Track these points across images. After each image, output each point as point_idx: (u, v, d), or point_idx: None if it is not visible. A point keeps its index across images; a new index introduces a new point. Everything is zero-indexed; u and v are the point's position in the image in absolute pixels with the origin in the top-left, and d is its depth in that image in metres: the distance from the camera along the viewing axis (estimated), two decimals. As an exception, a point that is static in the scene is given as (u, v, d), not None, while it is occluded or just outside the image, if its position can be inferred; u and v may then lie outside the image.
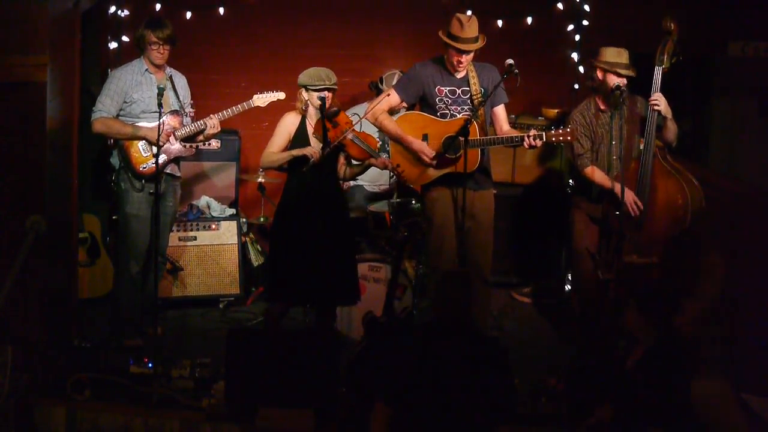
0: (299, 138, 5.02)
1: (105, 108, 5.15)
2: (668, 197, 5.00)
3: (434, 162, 4.96)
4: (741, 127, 7.39)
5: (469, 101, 5.01)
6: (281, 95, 5.23)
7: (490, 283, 5.32)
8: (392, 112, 6.05)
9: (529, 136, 4.81)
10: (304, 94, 4.97)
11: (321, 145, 4.92)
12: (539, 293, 6.48)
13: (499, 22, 6.33)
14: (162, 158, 5.12)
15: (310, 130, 5.02)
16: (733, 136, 7.42)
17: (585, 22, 6.76)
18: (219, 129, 5.25)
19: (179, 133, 5.23)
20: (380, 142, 6.12)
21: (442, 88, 5.00)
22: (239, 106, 5.19)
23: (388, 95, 5.14)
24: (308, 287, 4.96)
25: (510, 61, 4.85)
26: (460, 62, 4.93)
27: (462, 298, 3.89)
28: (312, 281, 4.94)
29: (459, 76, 4.98)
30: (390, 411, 3.85)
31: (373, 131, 5.59)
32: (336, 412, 4.41)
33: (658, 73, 4.94)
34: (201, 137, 5.30)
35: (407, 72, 5.10)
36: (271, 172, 5.71)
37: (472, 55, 4.93)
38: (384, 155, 5.28)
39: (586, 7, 6.74)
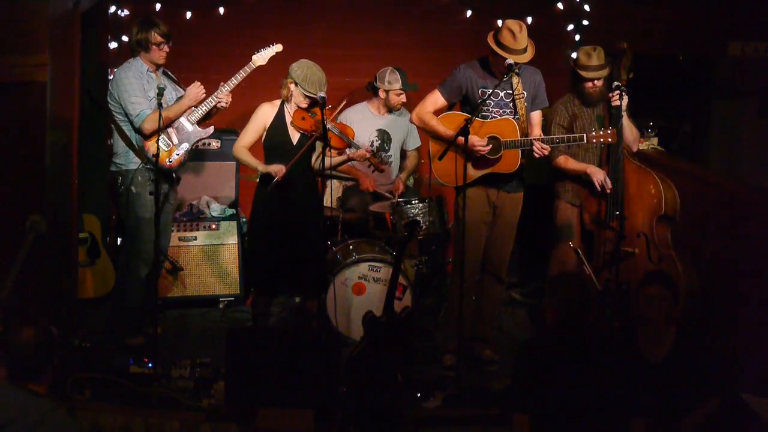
0: (277, 127, 5.10)
1: (144, 104, 5.07)
2: (640, 187, 5.19)
3: (485, 159, 4.97)
4: (741, 127, 7.41)
5: (511, 104, 5.02)
6: (279, 47, 5.20)
7: (506, 282, 5.42)
8: (391, 108, 6.10)
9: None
10: (292, 87, 5.03)
11: (297, 137, 5.07)
12: (539, 293, 6.47)
13: (499, 22, 6.31)
14: (184, 147, 5.16)
15: (288, 119, 5.10)
16: (733, 136, 7.44)
17: (585, 22, 6.77)
18: (230, 100, 5.19)
19: (192, 117, 5.20)
20: (379, 141, 6.14)
21: (485, 90, 4.99)
22: (242, 71, 5.14)
23: (433, 95, 5.12)
24: (279, 275, 5.11)
25: (510, 61, 4.86)
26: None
27: (577, 299, 3.84)
28: (282, 269, 5.10)
29: (505, 78, 4.95)
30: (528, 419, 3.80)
31: (358, 119, 5.65)
32: (336, 412, 4.41)
33: (616, 86, 5.08)
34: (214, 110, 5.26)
35: (452, 72, 5.10)
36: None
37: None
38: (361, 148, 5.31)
39: (586, 7, 6.74)
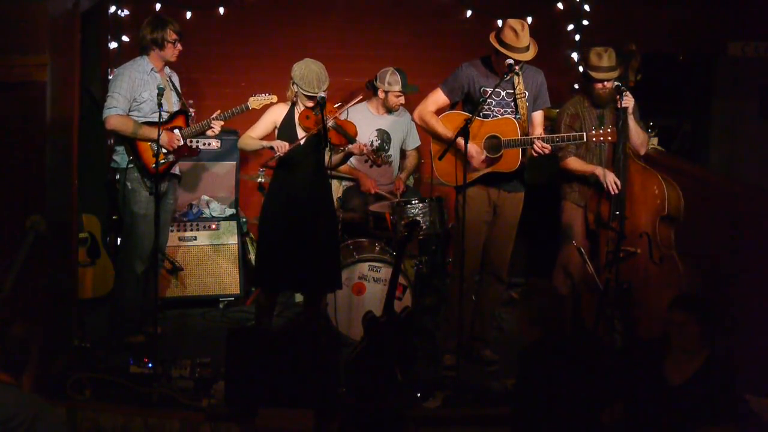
0: (286, 126, 5.10)
1: (120, 105, 5.10)
2: (644, 188, 5.17)
3: (483, 165, 4.97)
4: (741, 127, 7.41)
5: (512, 103, 5.01)
6: (273, 98, 5.26)
7: (506, 282, 5.42)
8: (389, 108, 6.11)
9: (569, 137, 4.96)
10: (294, 88, 5.04)
11: (303, 134, 5.03)
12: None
13: (499, 22, 6.32)
14: (171, 158, 5.19)
15: (297, 119, 5.09)
16: (733, 136, 7.44)
17: (585, 22, 6.77)
18: (218, 131, 5.29)
19: (185, 133, 5.23)
20: (379, 141, 6.13)
21: (487, 89, 4.98)
22: (236, 108, 5.21)
23: (435, 94, 5.11)
24: (292, 274, 5.06)
25: (510, 61, 4.86)
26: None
27: (549, 311, 3.87)
28: (296, 267, 5.04)
29: (506, 78, 4.95)
30: None
31: (358, 119, 5.66)
32: (336, 412, 4.41)
33: (616, 87, 5.08)
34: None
35: (455, 71, 5.10)
36: (271, 171, 5.73)
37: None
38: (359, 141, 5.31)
39: (586, 7, 6.75)
